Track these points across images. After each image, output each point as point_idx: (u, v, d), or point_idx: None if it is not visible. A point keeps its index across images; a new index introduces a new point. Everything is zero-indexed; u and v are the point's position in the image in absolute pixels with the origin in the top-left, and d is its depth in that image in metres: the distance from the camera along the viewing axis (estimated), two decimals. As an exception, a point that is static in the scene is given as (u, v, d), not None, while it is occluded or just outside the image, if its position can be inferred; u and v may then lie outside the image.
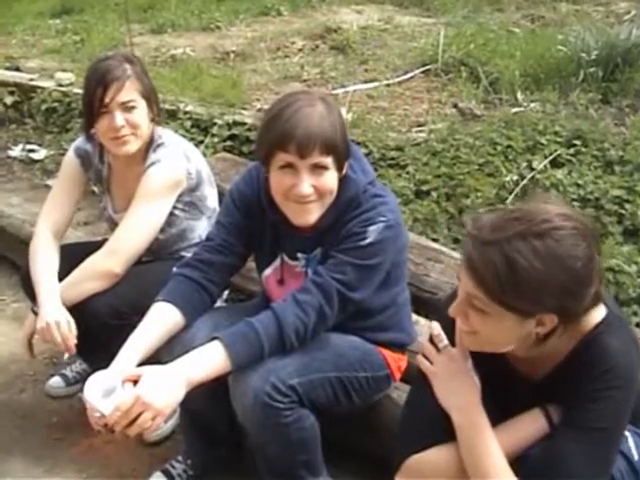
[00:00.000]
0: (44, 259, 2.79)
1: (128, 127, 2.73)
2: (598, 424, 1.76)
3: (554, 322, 1.72)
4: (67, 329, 2.61)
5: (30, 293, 2.83)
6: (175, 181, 2.78)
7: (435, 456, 1.91)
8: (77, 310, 2.67)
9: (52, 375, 3.19)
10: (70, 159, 2.94)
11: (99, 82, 2.69)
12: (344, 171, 2.22)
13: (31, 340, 2.80)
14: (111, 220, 3.01)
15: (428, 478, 1.90)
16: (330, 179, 2.18)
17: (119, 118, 2.70)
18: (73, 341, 2.62)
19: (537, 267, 1.63)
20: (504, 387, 1.95)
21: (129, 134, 2.74)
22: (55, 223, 2.88)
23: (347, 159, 2.23)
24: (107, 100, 2.68)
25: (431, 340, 1.98)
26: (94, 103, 2.70)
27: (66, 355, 2.75)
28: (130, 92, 2.72)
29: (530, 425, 1.88)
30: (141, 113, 2.76)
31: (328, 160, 2.15)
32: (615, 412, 1.77)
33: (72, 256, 2.80)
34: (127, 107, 2.72)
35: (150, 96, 2.80)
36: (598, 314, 1.81)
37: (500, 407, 1.93)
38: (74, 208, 2.97)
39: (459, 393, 1.90)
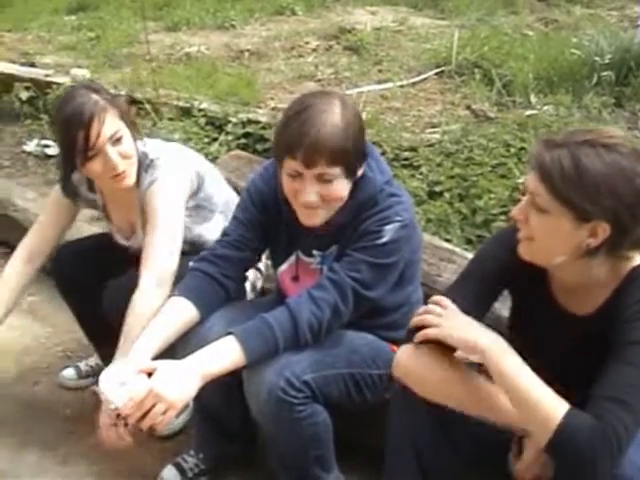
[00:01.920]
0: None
1: (122, 160, 2.58)
2: (635, 338, 1.78)
3: (606, 233, 1.78)
4: None
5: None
6: (181, 190, 2.69)
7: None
8: (99, 304, 2.70)
9: (66, 367, 3.22)
10: (57, 192, 2.85)
11: (78, 125, 2.48)
12: (359, 173, 2.22)
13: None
14: (124, 247, 2.91)
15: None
16: (338, 188, 2.16)
17: (114, 154, 2.55)
18: None
19: (600, 169, 1.74)
20: (549, 323, 2.00)
21: (126, 166, 2.60)
22: (31, 252, 2.85)
23: (361, 164, 2.21)
24: (93, 140, 2.50)
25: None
26: (78, 148, 2.51)
27: None
28: (114, 123, 2.55)
29: None
30: (128, 139, 2.61)
31: (335, 170, 2.12)
32: None
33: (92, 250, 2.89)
34: (116, 139, 2.56)
35: (128, 118, 2.65)
36: None
37: (548, 346, 2.00)
38: (59, 235, 2.91)
39: (477, 327, 1.91)
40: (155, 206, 2.63)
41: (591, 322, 1.94)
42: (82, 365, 3.18)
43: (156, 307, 2.49)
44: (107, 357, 2.86)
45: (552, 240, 1.84)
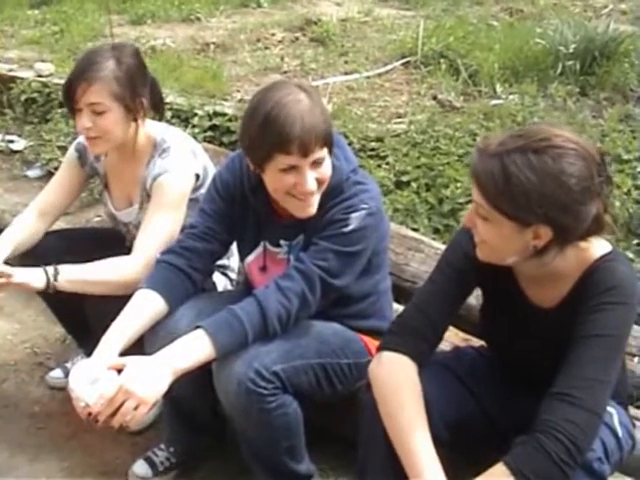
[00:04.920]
0: (9, 232, 2.78)
1: (95, 130, 2.61)
2: (600, 331, 1.82)
3: (549, 236, 1.81)
4: None
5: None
6: (188, 188, 2.70)
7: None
8: (84, 307, 2.68)
9: (52, 368, 3.20)
10: (70, 152, 2.91)
11: (74, 77, 2.58)
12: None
13: None
14: (113, 217, 2.95)
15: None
16: (328, 167, 2.20)
17: (85, 119, 2.59)
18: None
19: (530, 178, 1.75)
20: (519, 317, 2.04)
21: (95, 137, 2.63)
22: (44, 207, 2.85)
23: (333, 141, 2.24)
24: (76, 98, 2.58)
25: None
26: (67, 98, 2.62)
27: None
28: (99, 95, 2.57)
29: None
30: (112, 118, 2.61)
31: (324, 151, 2.16)
32: (618, 323, 1.84)
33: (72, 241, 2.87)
34: (95, 110, 2.59)
35: (129, 101, 2.63)
36: (605, 247, 1.92)
37: (514, 336, 2.04)
38: (68, 199, 2.92)
39: None
40: (161, 198, 2.65)
41: (556, 314, 1.96)
42: (69, 365, 3.14)
43: (128, 278, 2.52)
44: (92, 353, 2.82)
45: (500, 244, 1.88)
